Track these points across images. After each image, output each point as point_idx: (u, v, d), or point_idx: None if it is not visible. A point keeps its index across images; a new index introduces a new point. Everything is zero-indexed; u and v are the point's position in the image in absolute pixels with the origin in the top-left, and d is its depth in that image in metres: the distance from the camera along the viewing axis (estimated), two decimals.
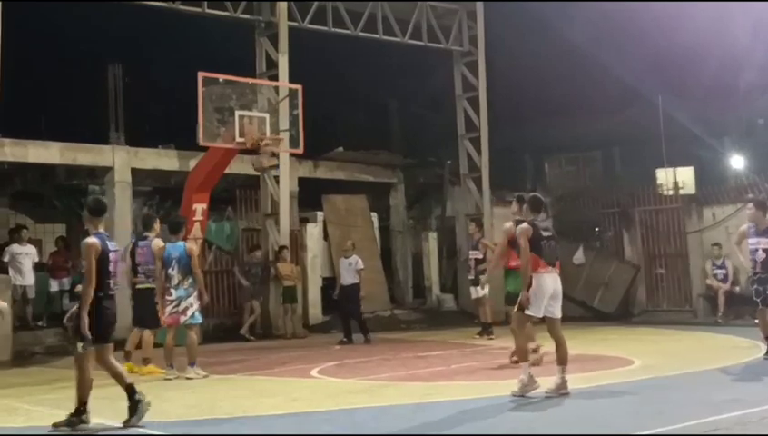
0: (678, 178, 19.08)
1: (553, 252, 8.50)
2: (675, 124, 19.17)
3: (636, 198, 19.05)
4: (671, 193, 18.94)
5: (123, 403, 7.42)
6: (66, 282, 16.25)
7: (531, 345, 10.38)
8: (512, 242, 10.32)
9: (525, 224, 8.53)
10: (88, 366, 7.29)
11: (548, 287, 8.32)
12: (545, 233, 8.49)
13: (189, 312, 10.60)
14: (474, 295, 15.00)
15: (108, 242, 7.44)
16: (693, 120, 19.94)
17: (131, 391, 7.40)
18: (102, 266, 7.26)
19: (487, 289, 14.15)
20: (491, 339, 14.28)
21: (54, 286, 16.35)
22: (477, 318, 15.44)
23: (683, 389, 8.64)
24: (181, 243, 10.76)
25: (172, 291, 10.64)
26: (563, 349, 8.31)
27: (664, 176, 19.69)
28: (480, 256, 14.89)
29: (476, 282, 14.71)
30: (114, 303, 7.48)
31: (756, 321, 10.89)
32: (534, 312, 8.32)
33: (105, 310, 7.32)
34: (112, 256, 7.39)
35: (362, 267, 15.02)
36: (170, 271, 10.63)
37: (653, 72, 19.65)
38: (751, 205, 10.86)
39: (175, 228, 10.96)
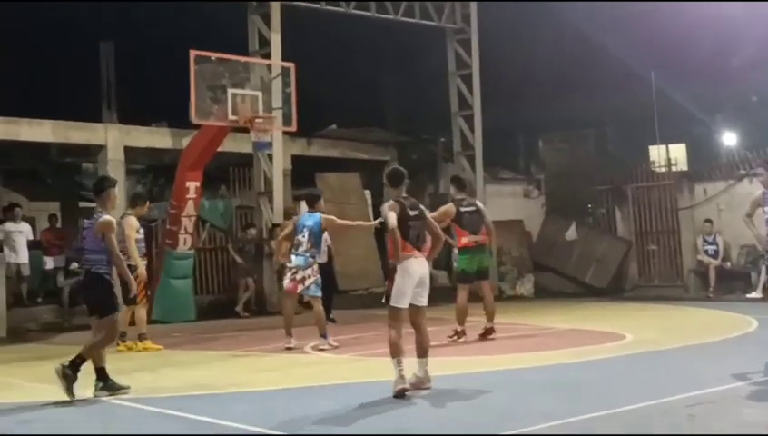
0: (671, 155, 19.16)
1: (420, 235, 7.56)
2: (668, 102, 19.20)
3: (629, 175, 19.12)
4: (663, 169, 19.03)
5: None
6: (60, 259, 16.29)
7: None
8: (455, 222, 10.89)
9: (391, 201, 7.53)
10: None
11: (415, 273, 7.40)
12: (412, 213, 7.48)
13: (306, 283, 10.62)
14: None
15: None
16: (686, 97, 19.97)
17: None
18: None
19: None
20: None
21: (49, 263, 16.33)
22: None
23: (673, 363, 8.74)
24: (317, 214, 10.71)
25: (293, 257, 10.67)
26: (426, 340, 7.61)
27: (656, 153, 19.77)
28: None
29: None
30: None
31: (753, 295, 10.29)
32: (399, 303, 7.35)
33: None
34: None
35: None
36: (299, 237, 10.64)
37: (646, 50, 19.64)
38: (761, 169, 9.61)
39: (311, 201, 10.93)
